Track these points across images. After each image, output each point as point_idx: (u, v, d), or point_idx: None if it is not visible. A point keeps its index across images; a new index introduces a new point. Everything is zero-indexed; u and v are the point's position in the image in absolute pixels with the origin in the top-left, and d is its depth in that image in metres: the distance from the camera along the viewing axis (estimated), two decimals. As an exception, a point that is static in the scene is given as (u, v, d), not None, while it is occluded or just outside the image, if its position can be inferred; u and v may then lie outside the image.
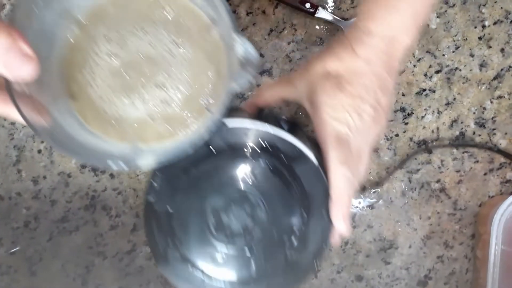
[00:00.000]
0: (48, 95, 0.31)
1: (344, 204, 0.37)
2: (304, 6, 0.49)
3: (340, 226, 0.37)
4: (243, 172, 0.37)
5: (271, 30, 0.52)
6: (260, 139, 0.37)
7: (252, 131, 0.37)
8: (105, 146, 0.34)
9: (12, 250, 0.55)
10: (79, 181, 0.54)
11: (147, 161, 0.31)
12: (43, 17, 0.31)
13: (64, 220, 0.55)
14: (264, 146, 0.37)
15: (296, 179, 0.38)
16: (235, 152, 0.37)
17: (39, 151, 0.54)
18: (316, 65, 0.38)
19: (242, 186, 0.37)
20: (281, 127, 0.38)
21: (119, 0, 0.34)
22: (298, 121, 0.40)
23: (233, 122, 0.37)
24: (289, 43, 0.52)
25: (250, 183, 0.37)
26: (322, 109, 0.37)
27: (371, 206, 0.54)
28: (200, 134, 0.31)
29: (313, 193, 0.38)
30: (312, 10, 0.50)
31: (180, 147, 0.31)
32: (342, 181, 0.37)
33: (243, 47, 0.29)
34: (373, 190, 0.54)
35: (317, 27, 0.52)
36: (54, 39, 0.33)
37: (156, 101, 0.34)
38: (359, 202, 0.54)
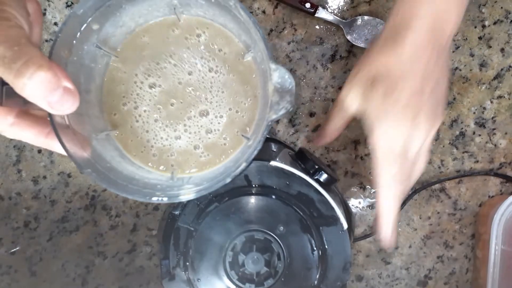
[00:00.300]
0: (87, 124, 0.31)
1: (388, 221, 0.39)
2: (304, 6, 0.49)
3: (385, 240, 0.39)
4: (273, 217, 0.37)
5: (271, 30, 0.52)
6: (297, 187, 0.37)
7: (291, 175, 0.37)
8: (146, 176, 0.33)
9: (12, 250, 0.55)
10: (79, 181, 0.54)
11: (188, 193, 0.30)
12: (81, 49, 0.31)
13: (64, 220, 0.55)
14: (300, 195, 0.37)
15: (321, 239, 0.38)
16: (270, 192, 0.37)
17: (39, 151, 0.54)
18: (362, 69, 0.37)
19: (269, 231, 0.37)
20: (319, 177, 0.38)
21: (153, 29, 0.34)
22: (336, 177, 0.40)
23: (275, 162, 0.37)
24: (289, 43, 0.52)
25: (277, 231, 0.37)
26: (374, 124, 0.36)
27: (371, 206, 0.54)
28: (238, 165, 0.30)
29: (333, 258, 0.38)
30: (312, 10, 0.50)
31: (219, 177, 0.31)
32: (388, 201, 0.38)
33: (279, 74, 0.28)
34: (373, 190, 0.54)
35: (317, 27, 0.52)
36: (92, 69, 0.33)
37: (198, 130, 0.34)
38: (359, 202, 0.54)
